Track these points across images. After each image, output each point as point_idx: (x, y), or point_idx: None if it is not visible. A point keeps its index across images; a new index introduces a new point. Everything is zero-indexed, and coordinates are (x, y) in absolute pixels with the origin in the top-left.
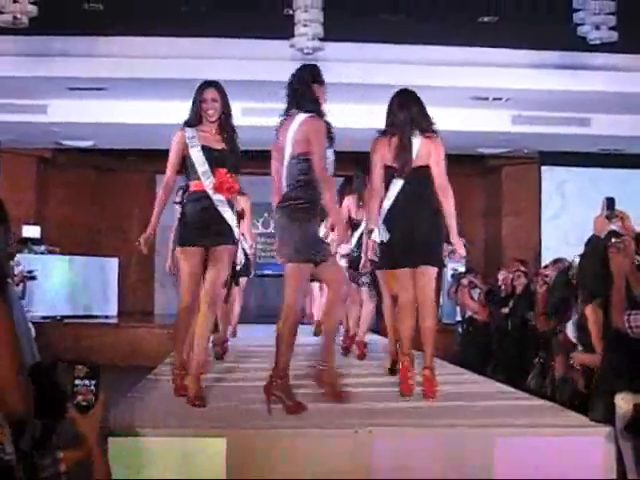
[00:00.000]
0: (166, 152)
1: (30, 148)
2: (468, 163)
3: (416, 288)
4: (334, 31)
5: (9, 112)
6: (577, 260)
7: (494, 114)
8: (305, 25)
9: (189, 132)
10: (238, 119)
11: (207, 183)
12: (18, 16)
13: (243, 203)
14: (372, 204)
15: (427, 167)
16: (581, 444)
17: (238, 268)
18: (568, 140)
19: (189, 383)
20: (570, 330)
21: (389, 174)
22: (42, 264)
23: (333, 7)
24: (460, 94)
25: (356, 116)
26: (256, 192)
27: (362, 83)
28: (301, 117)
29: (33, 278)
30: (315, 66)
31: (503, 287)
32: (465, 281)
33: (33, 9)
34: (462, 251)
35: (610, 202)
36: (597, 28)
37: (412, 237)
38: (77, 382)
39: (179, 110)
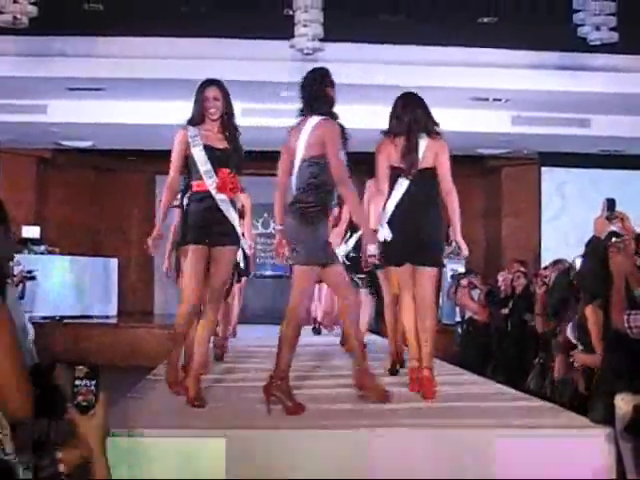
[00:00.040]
0: (166, 152)
1: (30, 148)
2: (468, 164)
3: (416, 288)
4: (334, 31)
5: (9, 112)
6: (578, 261)
7: (494, 115)
8: (305, 25)
9: (191, 131)
10: (238, 119)
11: (210, 183)
12: (18, 16)
13: (244, 200)
14: (377, 204)
15: (432, 169)
16: (581, 445)
17: (240, 266)
18: (568, 141)
19: (189, 383)
20: (570, 330)
21: (394, 175)
22: (42, 264)
23: (333, 7)
24: (460, 95)
25: (356, 117)
26: (256, 192)
27: (362, 83)
28: (315, 120)
29: (33, 278)
30: (327, 69)
31: (503, 288)
32: (465, 282)
33: (33, 9)
34: (466, 251)
35: (611, 203)
36: (597, 29)
37: (416, 238)
38: (77, 382)
39: (179, 110)
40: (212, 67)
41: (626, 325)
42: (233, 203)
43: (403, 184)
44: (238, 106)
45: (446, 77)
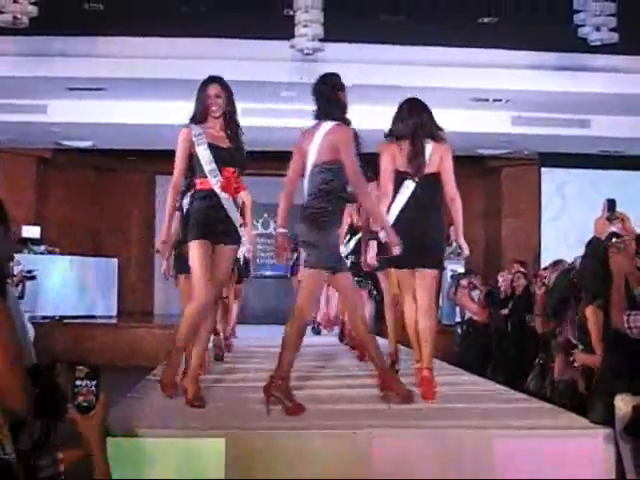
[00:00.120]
0: (166, 152)
1: (30, 148)
2: (468, 164)
3: (417, 289)
4: (334, 32)
5: (9, 112)
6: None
7: (494, 115)
8: (305, 26)
9: (195, 129)
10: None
11: (214, 182)
12: (18, 16)
13: (244, 197)
14: (382, 206)
15: (437, 174)
16: (580, 445)
17: (240, 264)
18: (568, 141)
19: (187, 384)
20: (569, 330)
21: (398, 178)
22: (42, 264)
23: (333, 8)
24: (460, 95)
25: (356, 117)
26: (256, 192)
27: (362, 84)
28: (328, 125)
29: (32, 278)
30: (338, 74)
31: (503, 288)
32: (465, 282)
33: (33, 9)
34: (467, 251)
35: (611, 204)
36: (598, 29)
37: (420, 241)
38: (78, 383)
39: (179, 110)
40: (212, 67)
41: (626, 325)
42: (236, 203)
43: (409, 187)
44: (238, 106)
45: (446, 77)
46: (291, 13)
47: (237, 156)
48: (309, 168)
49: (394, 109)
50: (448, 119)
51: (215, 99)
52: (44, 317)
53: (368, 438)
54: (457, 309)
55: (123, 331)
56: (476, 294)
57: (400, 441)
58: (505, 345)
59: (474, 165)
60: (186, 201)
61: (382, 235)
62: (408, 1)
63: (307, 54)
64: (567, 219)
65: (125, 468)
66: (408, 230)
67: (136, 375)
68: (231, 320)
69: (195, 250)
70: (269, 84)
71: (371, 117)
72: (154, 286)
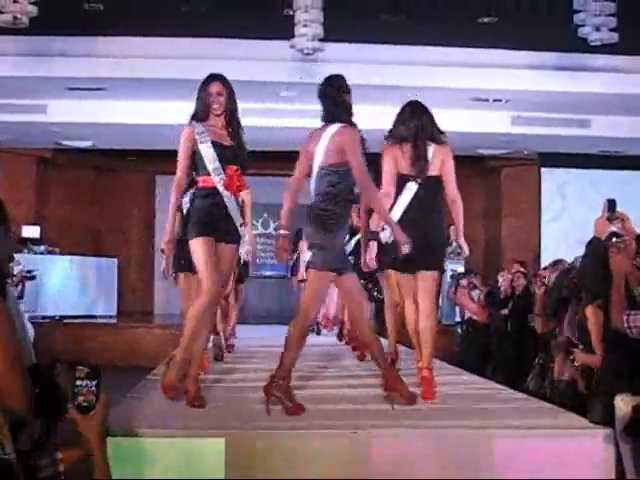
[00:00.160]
0: (166, 152)
1: (30, 148)
2: (468, 164)
3: (418, 290)
4: (334, 32)
5: (9, 112)
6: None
7: (494, 115)
8: (305, 25)
9: (198, 127)
10: None
11: (217, 180)
12: (18, 16)
13: (244, 196)
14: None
15: (439, 177)
16: (580, 445)
17: (241, 263)
18: (568, 141)
19: (188, 384)
20: (567, 329)
21: (400, 181)
22: (42, 264)
23: (333, 7)
24: (460, 95)
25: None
26: (256, 192)
27: (362, 84)
28: (335, 127)
29: (32, 278)
30: (343, 76)
31: (503, 288)
32: (464, 282)
33: (33, 9)
34: (467, 251)
35: (611, 204)
36: (597, 29)
37: (422, 243)
38: (78, 383)
39: (179, 110)
40: (212, 67)
41: (626, 325)
42: (237, 202)
43: (412, 189)
44: (238, 106)
45: (446, 77)
46: (291, 13)
47: (240, 154)
48: (315, 170)
49: (394, 109)
50: (448, 119)
51: (217, 97)
52: (44, 317)
53: (368, 438)
54: (457, 309)
55: (123, 331)
56: (476, 294)
57: (400, 441)
58: (505, 345)
59: (474, 165)
60: (185, 199)
61: (383, 236)
62: (408, 1)
63: (307, 54)
64: (567, 219)
65: (125, 468)
66: (410, 231)
67: (136, 375)
68: (231, 320)
69: (199, 247)
70: (269, 84)
71: (371, 117)
72: (154, 286)
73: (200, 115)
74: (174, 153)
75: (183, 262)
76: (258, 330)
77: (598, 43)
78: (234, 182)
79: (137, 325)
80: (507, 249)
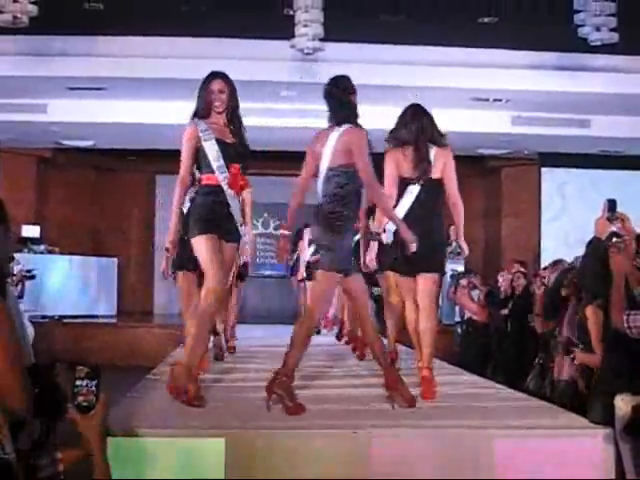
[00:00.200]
0: (166, 152)
1: (30, 148)
2: (468, 164)
3: (418, 291)
4: (334, 31)
5: (9, 112)
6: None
7: (494, 115)
8: (305, 25)
9: (201, 125)
10: None
11: (221, 178)
12: (18, 16)
13: (244, 194)
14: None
15: (440, 179)
16: (580, 445)
17: (241, 263)
18: (568, 141)
19: (187, 384)
20: (566, 329)
21: (402, 184)
22: (42, 264)
23: (333, 7)
24: (460, 95)
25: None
26: (256, 192)
27: (362, 84)
28: (342, 128)
29: (32, 278)
30: (348, 77)
31: (502, 288)
32: (464, 282)
33: (33, 9)
34: (467, 251)
35: (612, 204)
36: (598, 29)
37: (422, 244)
38: (78, 383)
39: (179, 110)
40: (212, 67)
41: (625, 325)
42: (239, 200)
43: (413, 191)
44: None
45: (447, 77)
46: (291, 13)
47: (242, 152)
48: (323, 171)
49: (394, 109)
50: (448, 119)
51: (219, 94)
52: (44, 317)
53: (368, 438)
54: (457, 309)
55: (123, 331)
56: (476, 294)
57: (400, 441)
58: (505, 345)
59: (474, 165)
60: (185, 198)
61: (384, 237)
62: (408, 1)
63: (307, 54)
64: (567, 219)
65: (125, 468)
66: (412, 233)
67: (136, 375)
68: (231, 320)
69: (202, 244)
70: (269, 84)
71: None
72: (154, 286)
73: (202, 113)
74: (174, 153)
75: (182, 260)
76: (258, 330)
77: (598, 43)
78: (237, 180)
79: (137, 325)
80: (507, 249)
